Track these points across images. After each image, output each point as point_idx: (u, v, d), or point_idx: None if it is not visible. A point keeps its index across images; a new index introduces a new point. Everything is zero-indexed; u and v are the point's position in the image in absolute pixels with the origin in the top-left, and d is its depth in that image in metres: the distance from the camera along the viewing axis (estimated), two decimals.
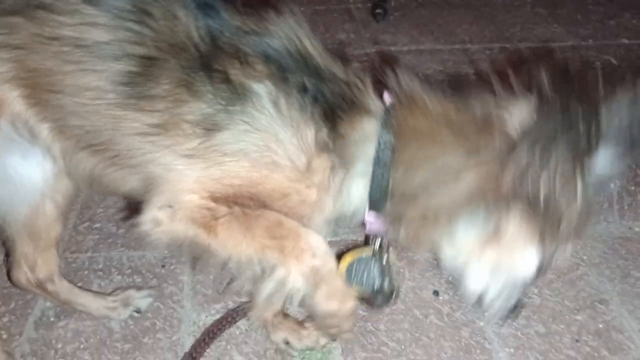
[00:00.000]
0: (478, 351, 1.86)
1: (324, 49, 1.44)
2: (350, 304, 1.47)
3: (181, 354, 1.84)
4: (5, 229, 1.73)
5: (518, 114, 1.32)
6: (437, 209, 1.40)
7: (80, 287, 2.00)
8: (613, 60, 3.66)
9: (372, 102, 1.44)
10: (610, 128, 1.28)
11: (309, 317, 1.83)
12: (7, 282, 2.07)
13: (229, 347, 1.87)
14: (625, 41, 3.90)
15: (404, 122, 1.39)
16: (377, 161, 1.39)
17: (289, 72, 1.35)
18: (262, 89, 1.33)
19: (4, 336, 1.88)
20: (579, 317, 1.95)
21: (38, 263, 1.82)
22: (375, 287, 1.62)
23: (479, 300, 1.55)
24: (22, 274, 1.84)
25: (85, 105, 1.36)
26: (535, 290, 2.05)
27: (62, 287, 1.92)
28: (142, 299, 2.01)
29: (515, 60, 3.58)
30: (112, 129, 1.37)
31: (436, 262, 2.15)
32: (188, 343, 1.87)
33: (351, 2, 4.29)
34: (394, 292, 1.66)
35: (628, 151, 1.31)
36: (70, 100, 1.36)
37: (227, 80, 1.32)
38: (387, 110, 1.41)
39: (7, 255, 1.92)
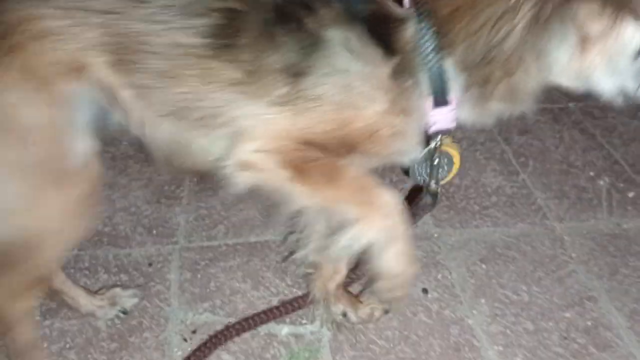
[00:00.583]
0: (467, 349, 1.85)
1: None
2: (413, 268, 1.53)
3: (168, 353, 1.83)
4: None
5: None
6: (515, 52, 1.37)
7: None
8: None
9: (396, 9, 1.44)
10: None
11: (366, 289, 1.96)
12: None
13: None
14: None
15: (436, 8, 1.41)
16: (425, 56, 1.40)
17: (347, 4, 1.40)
18: (333, 35, 1.37)
19: None
20: (567, 314, 1.96)
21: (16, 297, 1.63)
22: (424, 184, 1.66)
23: (624, 95, 1.50)
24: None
25: (174, 63, 1.39)
26: (524, 288, 2.05)
27: (57, 276, 1.86)
28: (128, 299, 1.98)
29: None
30: (201, 85, 1.40)
31: (425, 261, 2.15)
32: (175, 342, 1.86)
33: None
34: (437, 196, 1.68)
35: None
36: (159, 61, 1.39)
37: (302, 28, 1.37)
38: (414, 6, 1.43)
39: None
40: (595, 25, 1.38)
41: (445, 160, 1.63)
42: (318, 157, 1.40)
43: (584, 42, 1.40)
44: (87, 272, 2.11)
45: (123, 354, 1.83)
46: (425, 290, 2.04)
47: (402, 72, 1.41)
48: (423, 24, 1.40)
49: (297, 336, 1.89)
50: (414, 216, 1.69)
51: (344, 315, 1.92)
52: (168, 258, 2.18)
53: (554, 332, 1.90)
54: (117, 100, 1.45)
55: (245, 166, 1.41)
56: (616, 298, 2.02)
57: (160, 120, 1.47)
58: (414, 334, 1.89)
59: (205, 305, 1.99)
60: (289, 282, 2.07)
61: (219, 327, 1.90)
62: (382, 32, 1.40)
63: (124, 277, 2.10)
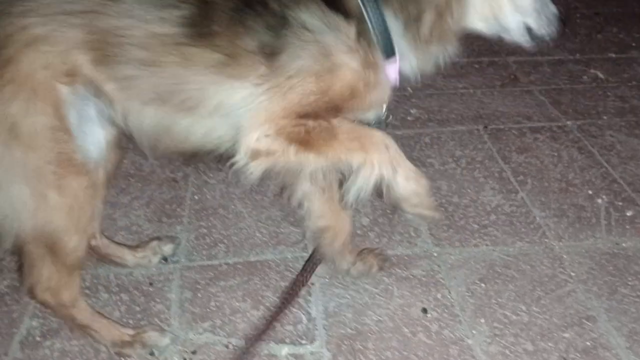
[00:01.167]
0: None
1: None
2: (424, 180, 1.71)
3: None
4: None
5: None
6: None
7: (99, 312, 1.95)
8: (600, 74, 3.69)
9: None
10: None
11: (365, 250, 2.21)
12: None
13: None
14: (612, 55, 3.94)
15: None
16: (369, 13, 1.57)
17: None
18: (298, 13, 1.52)
19: None
20: (566, 335, 1.96)
21: (62, 285, 1.77)
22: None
23: (529, 33, 1.71)
24: (47, 295, 1.79)
25: (153, 52, 1.51)
26: (524, 307, 2.05)
27: (83, 311, 1.88)
28: (166, 247, 2.25)
29: None
30: (182, 69, 1.52)
31: (425, 280, 2.16)
32: None
33: None
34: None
35: None
36: (139, 52, 1.51)
37: (269, 10, 1.51)
38: None
39: (21, 267, 1.85)
40: None
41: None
42: (313, 125, 1.56)
43: None
44: (88, 291, 2.11)
45: None
46: (424, 310, 2.05)
47: (361, 32, 1.57)
48: None
49: (297, 356, 1.89)
50: None
51: (354, 263, 2.15)
52: (169, 277, 2.19)
53: (554, 353, 1.90)
54: (103, 94, 1.57)
55: (256, 154, 1.56)
56: (615, 318, 2.02)
57: (144, 107, 1.60)
58: (414, 354, 1.90)
59: (206, 325, 1.99)
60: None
61: (219, 348, 1.90)
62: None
63: (124, 296, 2.11)
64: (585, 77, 3.67)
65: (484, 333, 1.96)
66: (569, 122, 3.17)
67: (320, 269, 2.15)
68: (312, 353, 1.91)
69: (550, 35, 1.72)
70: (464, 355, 1.89)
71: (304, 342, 1.94)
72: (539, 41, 1.73)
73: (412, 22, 1.61)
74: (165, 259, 2.25)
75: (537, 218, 2.49)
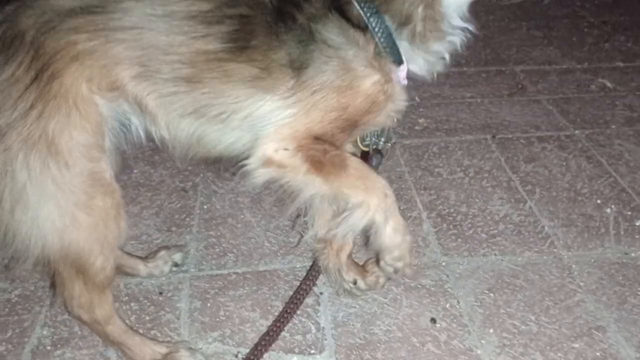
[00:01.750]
0: None
1: None
2: (409, 237, 1.76)
3: None
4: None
5: None
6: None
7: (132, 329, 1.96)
8: (608, 83, 3.69)
9: None
10: None
11: (370, 260, 2.16)
12: (4, 310, 2.08)
13: None
14: (620, 64, 3.94)
15: None
16: (369, 22, 1.60)
17: None
18: (319, 28, 1.56)
19: None
20: (576, 345, 1.95)
21: (94, 303, 1.79)
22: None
23: None
24: (81, 312, 1.80)
25: (199, 68, 1.55)
26: (533, 317, 2.05)
27: (117, 328, 1.88)
28: (176, 255, 2.28)
29: None
30: (221, 83, 1.57)
31: (434, 290, 2.16)
32: None
33: None
34: (385, 151, 1.90)
35: None
36: (184, 69, 1.56)
37: (298, 24, 1.56)
38: None
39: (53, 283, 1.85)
40: None
41: None
42: (329, 150, 1.61)
43: None
44: None
45: None
46: (433, 320, 2.05)
47: (376, 45, 1.61)
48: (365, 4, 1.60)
49: None
50: None
51: (355, 283, 2.12)
52: (178, 287, 2.20)
53: None
54: (143, 108, 1.62)
55: (269, 163, 1.61)
56: (625, 328, 2.01)
57: (182, 120, 1.65)
58: None
59: (215, 334, 2.00)
60: (297, 312, 2.07)
61: (228, 357, 1.91)
62: (346, 13, 1.60)
63: (134, 305, 2.12)
64: (593, 86, 3.67)
65: (493, 343, 1.96)
66: (577, 132, 3.17)
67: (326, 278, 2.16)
68: None
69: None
70: None
71: (313, 351, 1.94)
72: None
73: (406, 23, 1.63)
74: (176, 264, 2.28)
75: (546, 228, 2.49)
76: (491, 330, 2.01)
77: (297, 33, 1.56)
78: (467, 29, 1.69)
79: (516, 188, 2.73)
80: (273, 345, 1.91)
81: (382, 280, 2.17)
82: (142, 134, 1.69)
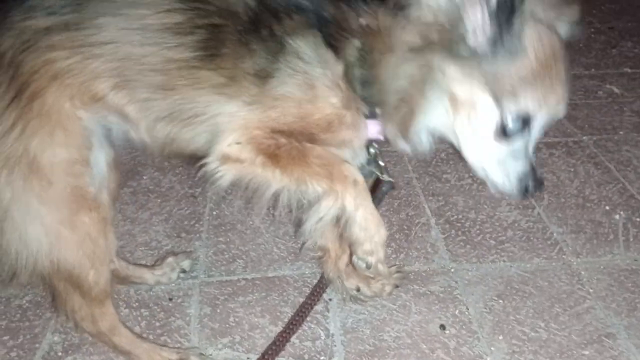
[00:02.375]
0: None
1: None
2: (383, 230, 1.68)
3: None
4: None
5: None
6: (410, 94, 1.54)
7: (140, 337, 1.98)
8: (615, 89, 3.69)
9: (352, 21, 1.59)
10: None
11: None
12: (15, 316, 2.09)
13: None
14: (628, 70, 3.93)
15: (372, 46, 1.57)
16: (358, 77, 1.59)
17: (308, 14, 1.58)
18: (295, 42, 1.56)
19: None
20: (586, 352, 1.95)
21: (96, 315, 1.81)
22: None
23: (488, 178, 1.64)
24: (86, 324, 1.83)
25: (171, 75, 1.58)
26: (542, 324, 2.05)
27: (124, 338, 1.90)
28: (183, 261, 2.29)
29: None
30: (192, 90, 1.59)
31: (443, 296, 2.16)
32: None
33: None
34: (392, 182, 1.85)
35: None
36: (157, 77, 1.58)
37: (273, 36, 1.56)
38: (361, 31, 1.59)
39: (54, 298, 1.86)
40: (460, 88, 1.50)
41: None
42: (285, 142, 1.59)
43: (453, 101, 1.52)
44: None
45: None
46: (442, 327, 2.05)
47: (348, 77, 1.60)
48: (361, 50, 1.57)
49: None
50: (379, 202, 1.82)
51: (358, 289, 2.14)
52: (188, 293, 2.21)
53: None
54: (124, 115, 1.65)
55: (224, 159, 1.59)
56: (635, 335, 2.01)
57: (157, 123, 1.67)
58: None
59: (225, 340, 2.01)
60: (307, 318, 2.08)
61: None
62: (335, 38, 1.58)
63: (144, 312, 2.13)
64: (600, 92, 3.66)
65: (503, 350, 1.96)
66: (584, 138, 3.17)
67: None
68: None
69: (509, 195, 1.63)
70: None
71: (322, 358, 1.95)
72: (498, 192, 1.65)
73: (379, 104, 1.62)
74: (184, 271, 2.29)
75: (554, 234, 2.48)
76: (501, 337, 2.01)
77: (269, 44, 1.56)
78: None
79: None
80: (282, 352, 1.91)
81: (388, 287, 2.18)
82: (122, 139, 1.74)
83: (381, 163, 1.79)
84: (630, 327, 2.04)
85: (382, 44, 1.54)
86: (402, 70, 1.52)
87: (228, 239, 2.48)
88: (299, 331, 2.01)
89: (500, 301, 2.15)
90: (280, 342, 1.91)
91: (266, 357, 1.86)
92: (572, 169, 2.91)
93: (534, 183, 1.61)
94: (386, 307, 2.14)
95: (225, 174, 1.61)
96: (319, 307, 2.10)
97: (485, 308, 2.13)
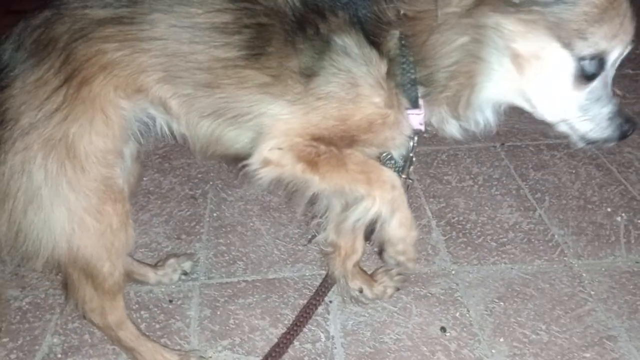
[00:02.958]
0: None
1: None
2: (415, 232, 1.75)
3: None
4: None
5: None
6: (458, 65, 1.55)
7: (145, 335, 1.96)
8: (617, 91, 3.67)
9: (389, 15, 1.60)
10: None
11: (379, 269, 2.21)
12: (15, 318, 2.09)
13: None
14: (629, 71, 3.92)
15: (413, 29, 1.58)
16: (402, 66, 1.60)
17: (350, 11, 1.59)
18: (340, 39, 1.57)
19: None
20: (587, 355, 1.94)
21: (106, 308, 1.81)
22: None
23: (572, 130, 1.60)
24: (94, 316, 1.83)
25: (216, 74, 1.61)
26: (543, 327, 2.04)
27: (130, 334, 1.90)
28: (184, 263, 2.29)
29: None
30: (237, 89, 1.62)
31: (443, 298, 2.16)
32: None
33: None
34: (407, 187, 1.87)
35: None
36: (203, 74, 1.62)
37: (318, 34, 1.57)
38: (402, 19, 1.59)
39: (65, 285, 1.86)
40: (523, 43, 1.47)
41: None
42: (325, 150, 1.63)
43: (517, 60, 1.49)
44: None
45: None
46: (443, 329, 2.04)
47: (391, 73, 1.61)
48: (404, 36, 1.58)
49: None
50: None
51: (361, 291, 2.15)
52: (188, 295, 2.21)
53: None
54: (167, 108, 1.69)
55: (266, 163, 1.63)
56: (636, 338, 2.00)
57: (201, 120, 1.71)
58: None
59: (225, 342, 2.01)
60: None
61: None
62: (376, 36, 1.59)
63: (144, 313, 2.13)
64: None
65: (504, 353, 1.95)
66: None
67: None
68: None
69: (603, 140, 1.57)
70: None
71: None
72: (589, 143, 1.59)
73: (432, 85, 1.61)
74: (185, 273, 2.29)
75: (556, 236, 2.48)
76: (501, 340, 2.00)
77: (315, 43, 1.58)
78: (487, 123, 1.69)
79: (525, 196, 2.73)
80: (283, 354, 1.91)
81: (389, 290, 2.18)
82: (166, 131, 1.76)
83: (414, 158, 1.87)
84: (632, 329, 2.03)
85: (425, 26, 1.55)
86: (453, 43, 1.52)
87: (228, 241, 2.48)
88: (300, 333, 2.00)
89: (501, 303, 2.15)
90: (283, 344, 1.91)
91: (269, 359, 1.86)
92: (574, 171, 2.90)
93: (627, 120, 1.55)
94: (387, 309, 2.14)
95: (266, 176, 1.64)
96: (319, 309, 2.10)
97: (486, 310, 2.12)
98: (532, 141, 3.16)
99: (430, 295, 2.19)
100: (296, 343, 1.99)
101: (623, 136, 1.55)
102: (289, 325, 1.97)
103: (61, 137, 1.54)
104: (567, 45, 1.44)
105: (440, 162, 2.99)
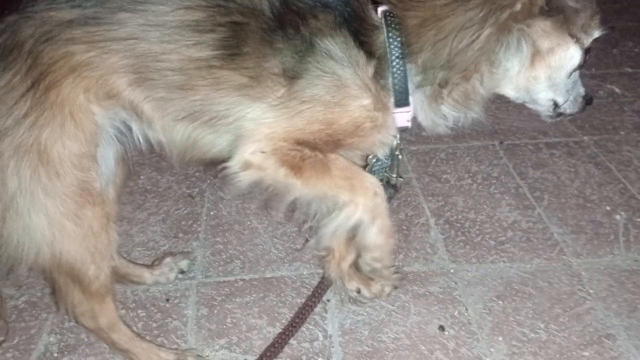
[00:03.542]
0: None
1: None
2: (392, 240, 1.77)
3: None
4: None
5: None
6: (474, 60, 1.58)
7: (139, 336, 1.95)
8: (616, 89, 3.67)
9: (373, 15, 1.61)
10: None
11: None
12: (10, 317, 2.08)
13: None
14: (629, 70, 3.92)
15: (405, 19, 1.59)
16: (391, 62, 1.59)
17: (334, 12, 1.58)
18: (323, 42, 1.55)
19: None
20: (586, 353, 1.93)
21: (96, 311, 1.79)
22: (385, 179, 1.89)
23: (556, 109, 1.79)
24: (85, 319, 1.81)
25: (189, 75, 1.56)
26: (542, 325, 2.03)
27: (123, 336, 1.88)
28: (181, 262, 2.28)
29: None
30: (213, 91, 1.58)
31: (442, 297, 2.15)
32: None
33: None
34: (399, 185, 1.93)
35: None
36: (176, 76, 1.57)
37: (299, 35, 1.55)
38: (387, 17, 1.60)
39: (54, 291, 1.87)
40: (546, 42, 1.62)
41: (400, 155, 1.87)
42: (309, 154, 1.60)
43: (534, 56, 1.62)
44: None
45: None
46: (442, 328, 2.03)
47: (379, 73, 1.60)
48: (391, 34, 1.58)
49: None
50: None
51: (358, 291, 2.14)
52: (185, 293, 2.20)
53: None
54: (139, 113, 1.64)
55: (247, 166, 1.60)
56: (635, 336, 1.99)
57: (176, 124, 1.66)
58: None
59: (222, 341, 2.00)
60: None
61: None
62: (362, 36, 1.59)
63: (141, 312, 2.11)
64: (601, 92, 3.64)
65: (502, 351, 1.94)
66: (585, 138, 3.15)
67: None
68: None
69: (572, 114, 1.82)
70: None
71: (320, 359, 1.93)
72: (560, 117, 1.82)
73: (437, 84, 1.63)
74: (182, 272, 2.27)
75: (555, 234, 2.47)
76: (500, 338, 1.99)
77: (295, 43, 1.54)
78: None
79: (524, 194, 2.72)
80: (280, 353, 1.90)
81: (387, 289, 2.16)
82: (141, 138, 1.71)
83: (400, 156, 1.85)
84: (631, 328, 2.03)
85: (432, 24, 1.57)
86: (475, 42, 1.55)
87: (225, 240, 2.47)
88: (297, 332, 1.99)
89: (500, 302, 2.14)
90: (279, 343, 1.90)
91: (264, 358, 1.85)
92: (573, 169, 2.89)
93: (586, 95, 1.82)
94: (385, 308, 2.13)
95: (246, 179, 1.62)
96: (317, 308, 2.09)
97: (485, 309, 2.11)
98: (530, 140, 3.15)
99: (428, 293, 2.18)
100: (294, 342, 1.98)
101: (584, 109, 1.83)
102: (285, 325, 1.96)
103: (33, 142, 1.51)
104: (578, 40, 1.64)
105: (439, 161, 2.98)
